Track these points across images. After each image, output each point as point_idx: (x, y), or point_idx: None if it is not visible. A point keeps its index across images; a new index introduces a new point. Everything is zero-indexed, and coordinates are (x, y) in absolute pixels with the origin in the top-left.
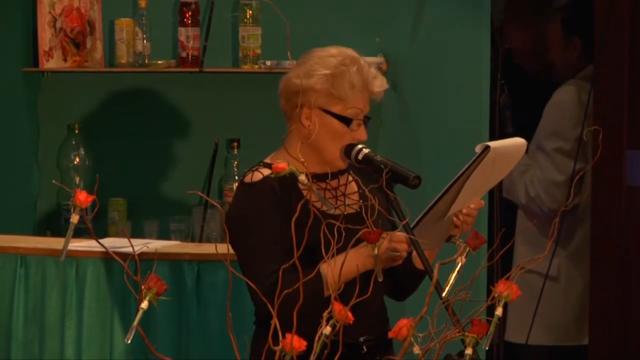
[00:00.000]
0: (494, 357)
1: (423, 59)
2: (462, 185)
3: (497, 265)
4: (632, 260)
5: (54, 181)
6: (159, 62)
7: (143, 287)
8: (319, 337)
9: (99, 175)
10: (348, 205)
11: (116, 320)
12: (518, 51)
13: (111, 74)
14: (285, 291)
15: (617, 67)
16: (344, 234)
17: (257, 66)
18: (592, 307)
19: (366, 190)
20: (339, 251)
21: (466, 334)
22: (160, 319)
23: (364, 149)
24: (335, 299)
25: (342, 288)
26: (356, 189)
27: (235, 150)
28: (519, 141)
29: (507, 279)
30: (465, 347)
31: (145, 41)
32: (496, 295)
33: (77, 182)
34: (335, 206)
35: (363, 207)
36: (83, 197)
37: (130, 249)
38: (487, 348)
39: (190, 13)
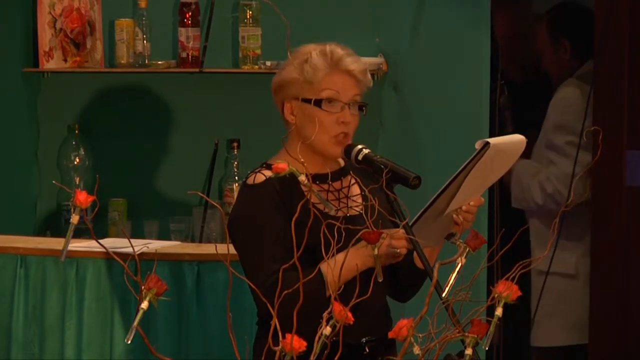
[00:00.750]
0: (494, 357)
1: (423, 59)
2: (462, 182)
3: (497, 266)
4: (632, 260)
5: (54, 181)
6: (159, 62)
7: (143, 287)
8: (319, 338)
9: (99, 175)
10: (351, 207)
11: (116, 320)
12: (511, 69)
13: (111, 74)
14: (286, 291)
15: (617, 67)
16: (344, 234)
17: (257, 66)
18: (592, 307)
19: (366, 191)
20: (340, 252)
21: (466, 334)
22: (160, 319)
23: (364, 149)
24: (335, 299)
25: (342, 288)
26: (359, 191)
27: (235, 150)
28: (518, 138)
29: (507, 279)
30: (465, 347)
31: (145, 41)
32: (496, 295)
33: (77, 183)
34: (338, 208)
35: (365, 209)
36: (83, 198)
37: (130, 249)
38: (487, 348)
39: (190, 13)
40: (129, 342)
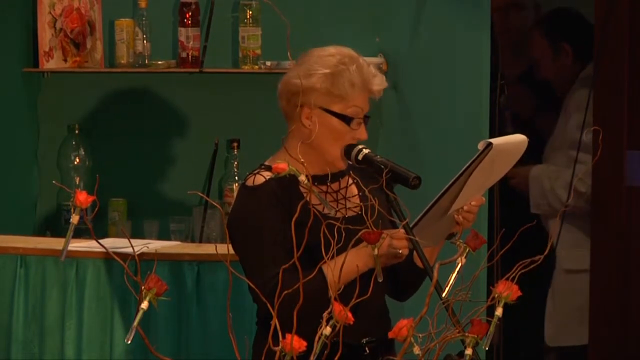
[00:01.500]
0: (494, 357)
1: (423, 59)
2: (465, 182)
3: (497, 266)
4: (632, 260)
5: (54, 181)
6: (159, 62)
7: (143, 287)
8: (319, 338)
9: (99, 175)
10: (349, 208)
11: (116, 320)
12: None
13: (111, 74)
14: (285, 292)
15: (617, 67)
16: (343, 234)
17: (257, 66)
18: (592, 307)
19: (366, 191)
20: (340, 253)
21: (466, 334)
22: (160, 319)
23: (364, 149)
24: (335, 299)
25: (341, 289)
26: (357, 192)
27: (235, 150)
28: (520, 138)
29: (509, 279)
30: (465, 347)
31: (145, 41)
32: (496, 295)
33: (77, 183)
34: (337, 209)
35: (364, 209)
36: (83, 198)
37: (130, 250)
38: (486, 348)
39: (190, 13)
40: (129, 342)
